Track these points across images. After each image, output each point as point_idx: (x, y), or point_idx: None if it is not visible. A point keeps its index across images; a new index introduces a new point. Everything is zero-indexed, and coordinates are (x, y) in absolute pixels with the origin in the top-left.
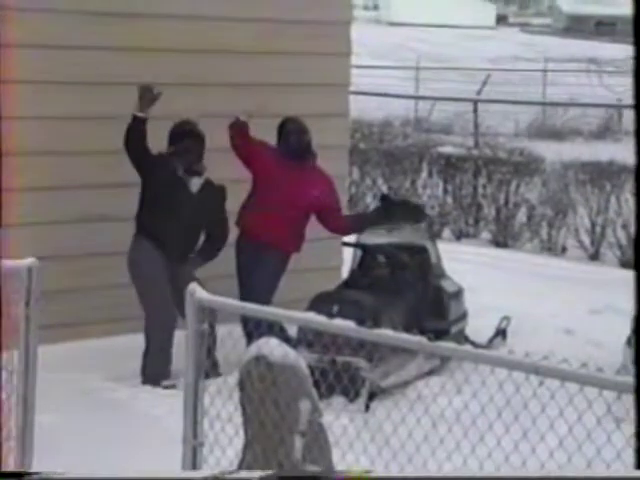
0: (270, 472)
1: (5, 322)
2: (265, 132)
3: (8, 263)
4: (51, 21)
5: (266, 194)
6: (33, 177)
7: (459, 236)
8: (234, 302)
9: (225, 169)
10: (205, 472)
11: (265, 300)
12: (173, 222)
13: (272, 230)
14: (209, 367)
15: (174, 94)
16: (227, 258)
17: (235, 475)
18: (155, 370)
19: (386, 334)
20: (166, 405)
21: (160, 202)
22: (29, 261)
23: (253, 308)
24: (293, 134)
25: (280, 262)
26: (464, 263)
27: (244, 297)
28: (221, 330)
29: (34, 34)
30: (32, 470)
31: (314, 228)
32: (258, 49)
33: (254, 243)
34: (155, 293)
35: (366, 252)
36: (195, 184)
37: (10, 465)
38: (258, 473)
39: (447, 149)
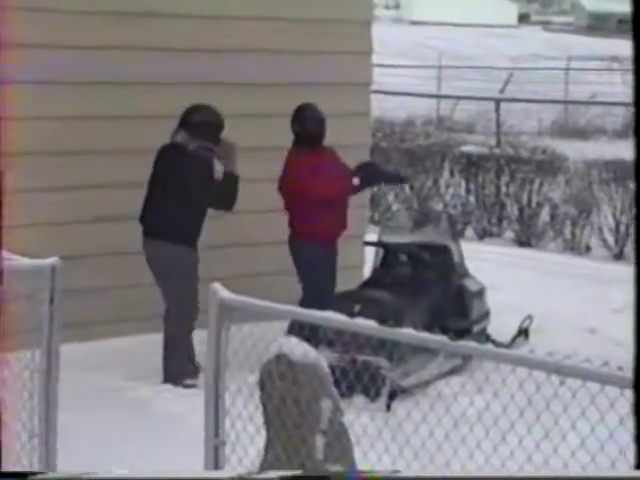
0: (296, 472)
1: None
2: (283, 132)
3: (27, 262)
4: (54, 20)
5: (282, 185)
6: (45, 177)
7: (482, 235)
8: (255, 301)
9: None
10: (231, 472)
11: (311, 298)
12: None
13: (293, 223)
14: (192, 371)
15: (187, 95)
16: (246, 258)
17: (261, 475)
18: (177, 369)
19: (407, 333)
20: (187, 404)
21: (204, 212)
22: (53, 260)
23: (274, 308)
24: (309, 120)
25: (310, 254)
26: (487, 262)
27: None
28: (243, 329)
29: (36, 34)
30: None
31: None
32: (276, 48)
33: (289, 239)
34: (187, 290)
35: (388, 251)
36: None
37: (35, 465)
38: (282, 473)
39: (469, 148)
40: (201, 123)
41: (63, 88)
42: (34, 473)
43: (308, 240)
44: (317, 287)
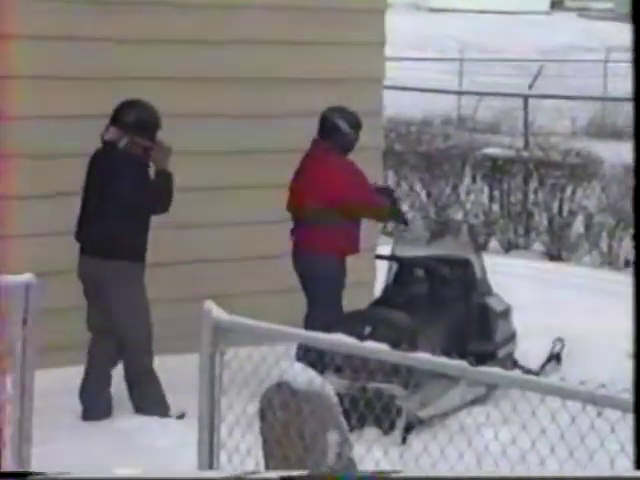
0: (293, 472)
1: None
2: (284, 132)
3: (4, 279)
4: (52, 11)
5: (299, 189)
6: (29, 183)
7: (508, 248)
8: (254, 322)
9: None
10: (226, 472)
11: (314, 315)
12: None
13: (305, 232)
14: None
15: (184, 91)
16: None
17: (257, 475)
18: (157, 399)
19: (424, 358)
20: (176, 436)
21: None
22: (26, 277)
23: (275, 329)
24: (346, 123)
25: (324, 267)
26: (513, 278)
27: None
28: (240, 353)
29: (34, 25)
30: None
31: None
32: (279, 39)
33: (300, 250)
34: (140, 313)
35: (402, 266)
36: None
37: None
38: (279, 473)
39: (494, 151)
40: (136, 120)
41: (61, 84)
42: (34, 473)
43: (322, 252)
44: (329, 304)
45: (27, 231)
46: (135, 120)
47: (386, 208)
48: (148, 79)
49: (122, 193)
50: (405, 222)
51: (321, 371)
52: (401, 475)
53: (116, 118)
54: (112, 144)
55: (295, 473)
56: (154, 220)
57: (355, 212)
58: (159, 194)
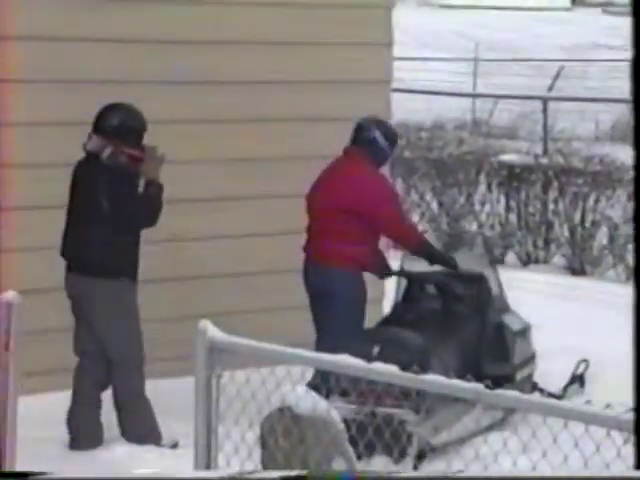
0: (292, 473)
1: None
2: (285, 138)
3: None
4: (46, 11)
5: (324, 197)
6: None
7: (526, 262)
8: (253, 343)
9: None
10: (222, 472)
11: (330, 336)
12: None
13: (328, 244)
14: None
15: (177, 95)
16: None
17: (254, 475)
18: (150, 425)
19: (436, 381)
20: (170, 467)
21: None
22: (9, 295)
23: (276, 350)
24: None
25: (346, 282)
26: (532, 294)
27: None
28: (238, 376)
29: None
30: None
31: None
32: (278, 39)
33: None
34: (133, 333)
35: (412, 281)
36: None
37: None
38: (278, 473)
39: (510, 157)
40: (119, 126)
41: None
42: (34, 473)
43: (342, 265)
44: (349, 325)
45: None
46: (119, 126)
47: (421, 240)
48: (140, 83)
49: (107, 209)
50: (454, 266)
51: (326, 395)
52: (402, 475)
53: (98, 125)
54: (95, 155)
55: (294, 473)
56: (144, 234)
57: (384, 227)
58: (147, 207)
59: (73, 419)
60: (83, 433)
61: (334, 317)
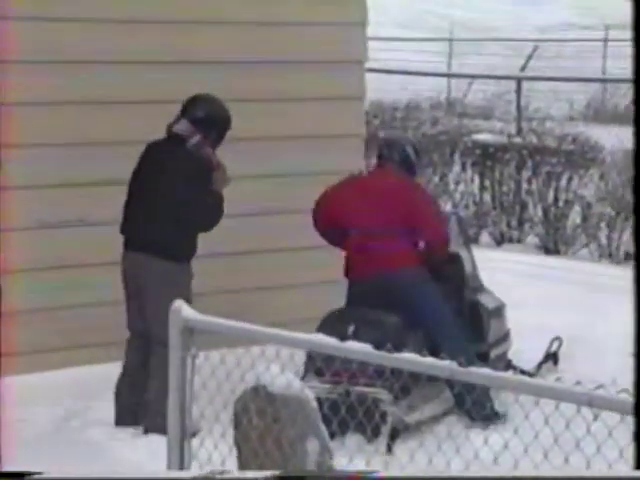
0: (267, 473)
1: None
2: (258, 118)
3: None
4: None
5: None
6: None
7: (500, 241)
8: (228, 322)
9: None
10: (194, 472)
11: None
12: None
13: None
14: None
15: (147, 74)
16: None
17: (226, 475)
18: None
19: (410, 359)
20: (147, 448)
21: None
22: None
23: (250, 329)
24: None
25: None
26: (506, 273)
27: None
28: (213, 356)
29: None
30: None
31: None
32: (251, 19)
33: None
34: None
35: None
36: None
37: None
38: (252, 473)
39: (485, 137)
40: (209, 118)
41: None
42: (32, 473)
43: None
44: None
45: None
46: (207, 117)
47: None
48: (124, 63)
49: (182, 195)
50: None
51: (301, 375)
52: (382, 475)
53: (187, 110)
54: (180, 138)
55: (268, 473)
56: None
57: (434, 244)
58: (216, 208)
59: (119, 395)
60: (127, 410)
61: (432, 310)
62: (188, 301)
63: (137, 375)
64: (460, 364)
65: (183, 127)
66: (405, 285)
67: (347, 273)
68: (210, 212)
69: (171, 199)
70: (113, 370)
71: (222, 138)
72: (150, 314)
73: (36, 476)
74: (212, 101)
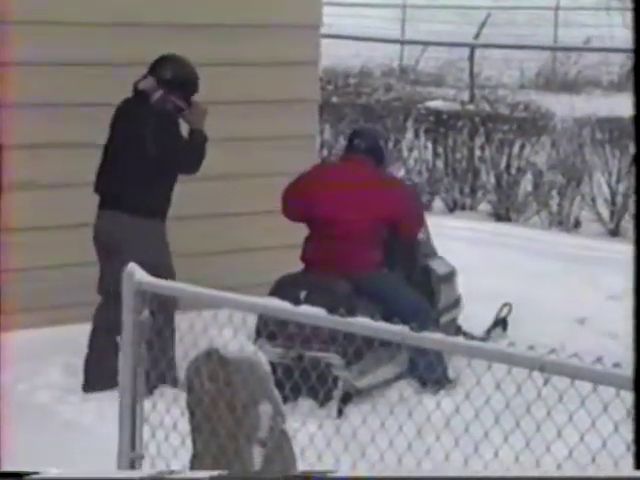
0: (220, 472)
1: None
2: (210, 82)
3: None
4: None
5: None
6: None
7: (452, 208)
8: (181, 286)
9: None
10: (142, 472)
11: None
12: None
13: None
14: (166, 373)
15: (103, 36)
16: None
17: (175, 475)
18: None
19: (362, 323)
20: (96, 411)
21: None
22: None
23: (202, 293)
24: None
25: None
26: (458, 240)
27: None
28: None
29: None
30: None
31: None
32: None
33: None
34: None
35: None
36: None
37: None
38: (204, 473)
39: (437, 104)
40: (173, 77)
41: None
42: (30, 473)
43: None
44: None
45: None
46: (173, 77)
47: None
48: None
49: (152, 150)
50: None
51: (254, 339)
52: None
53: (155, 69)
54: (144, 95)
55: (215, 473)
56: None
57: (410, 234)
58: (193, 154)
59: (89, 361)
60: (98, 375)
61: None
62: (166, 257)
63: (111, 336)
64: (412, 329)
65: (148, 84)
66: (367, 289)
67: (304, 259)
68: (189, 155)
69: (142, 155)
70: (60, 334)
71: (188, 100)
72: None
73: (34, 476)
74: (180, 62)
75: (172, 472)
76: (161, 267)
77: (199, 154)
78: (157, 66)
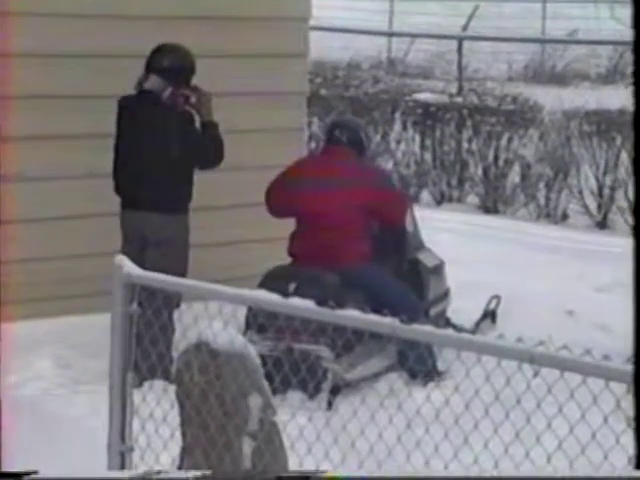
0: (207, 472)
1: None
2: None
3: None
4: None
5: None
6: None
7: (440, 200)
8: (170, 278)
9: None
10: (130, 472)
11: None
12: None
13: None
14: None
15: (93, 28)
16: None
17: (163, 475)
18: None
19: (351, 316)
20: (86, 403)
21: None
22: None
23: (191, 286)
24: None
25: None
26: (446, 232)
27: None
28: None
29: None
30: None
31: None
32: None
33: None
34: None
35: None
36: None
37: None
38: (192, 473)
39: (425, 96)
40: (172, 67)
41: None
42: (29, 473)
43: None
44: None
45: None
46: (171, 67)
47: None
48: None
49: (176, 150)
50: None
51: (243, 331)
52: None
53: (152, 65)
54: (154, 94)
55: (198, 473)
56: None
57: (396, 220)
58: (215, 147)
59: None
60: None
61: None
62: (186, 254)
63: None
64: (402, 321)
65: (155, 83)
66: (356, 282)
67: (291, 253)
68: (211, 151)
69: (166, 156)
70: (49, 326)
71: (189, 79)
72: (150, 266)
73: (33, 476)
74: (176, 49)
75: (159, 472)
76: (176, 265)
77: (219, 146)
78: (156, 61)
